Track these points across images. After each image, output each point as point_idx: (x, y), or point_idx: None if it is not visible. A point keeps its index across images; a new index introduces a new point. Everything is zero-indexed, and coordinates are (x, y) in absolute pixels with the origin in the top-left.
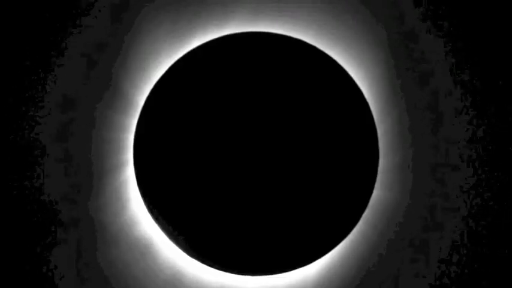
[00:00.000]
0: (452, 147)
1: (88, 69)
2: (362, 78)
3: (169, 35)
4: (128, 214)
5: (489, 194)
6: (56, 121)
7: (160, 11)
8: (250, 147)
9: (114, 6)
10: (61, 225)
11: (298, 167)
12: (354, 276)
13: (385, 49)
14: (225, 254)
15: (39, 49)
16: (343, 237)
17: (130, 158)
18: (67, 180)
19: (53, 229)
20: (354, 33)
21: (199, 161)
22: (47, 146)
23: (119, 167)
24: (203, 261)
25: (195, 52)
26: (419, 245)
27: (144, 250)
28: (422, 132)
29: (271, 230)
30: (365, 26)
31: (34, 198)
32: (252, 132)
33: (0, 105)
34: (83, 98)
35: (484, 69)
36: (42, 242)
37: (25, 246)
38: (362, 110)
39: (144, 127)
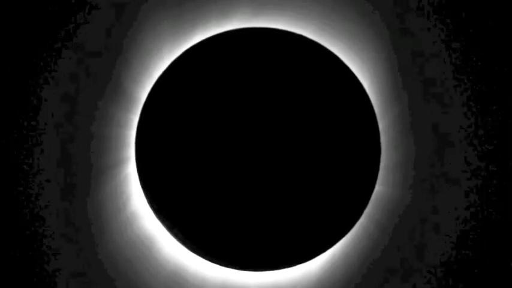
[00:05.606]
0: (454, 143)
1: (89, 65)
2: (364, 73)
3: (171, 30)
4: (129, 210)
5: (491, 190)
6: (57, 117)
7: (162, 6)
8: (252, 143)
9: (116, 2)
10: (62, 221)
11: (300, 163)
12: (356, 271)
13: (387, 45)
14: (227, 249)
15: (41, 45)
16: (345, 233)
17: (132, 154)
18: (68, 176)
19: (53, 226)
20: (356, 29)
21: (201, 157)
22: (48, 142)
23: (120, 163)
24: (205, 257)
25: (196, 48)
26: (421, 240)
27: (145, 246)
28: (423, 128)
29: (273, 225)
30: (367, 22)
31: (33, 195)
32: (254, 129)
33: (1, 100)
34: (84, 94)
35: (487, 64)
36: (42, 238)
37: (23, 245)
38: (364, 105)
39: (145, 123)
